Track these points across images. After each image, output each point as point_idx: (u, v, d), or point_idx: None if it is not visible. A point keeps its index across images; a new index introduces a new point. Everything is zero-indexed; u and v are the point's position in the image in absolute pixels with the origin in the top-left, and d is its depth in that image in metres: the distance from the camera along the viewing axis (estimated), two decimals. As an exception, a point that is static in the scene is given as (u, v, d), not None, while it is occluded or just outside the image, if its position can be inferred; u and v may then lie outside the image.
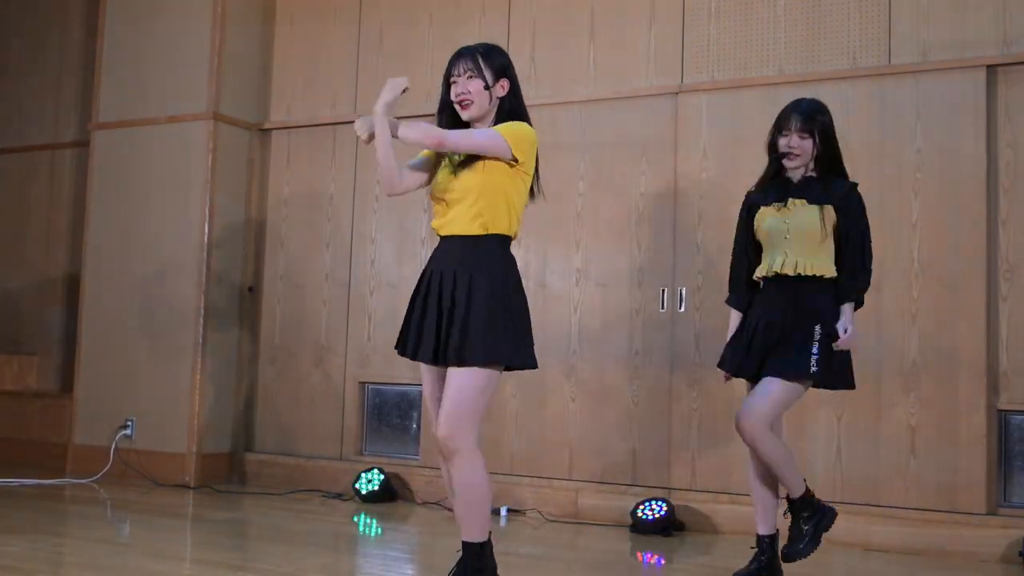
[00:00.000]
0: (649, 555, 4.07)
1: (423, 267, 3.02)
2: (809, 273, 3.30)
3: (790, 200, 3.35)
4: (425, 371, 2.98)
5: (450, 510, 4.96)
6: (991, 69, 4.27)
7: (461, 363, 2.79)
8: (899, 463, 4.26)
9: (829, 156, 3.40)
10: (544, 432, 5.02)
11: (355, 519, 4.78)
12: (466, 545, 2.86)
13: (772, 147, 3.42)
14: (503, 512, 4.92)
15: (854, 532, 4.25)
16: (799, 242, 3.31)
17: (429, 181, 3.07)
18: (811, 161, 3.39)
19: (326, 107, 5.88)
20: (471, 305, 2.81)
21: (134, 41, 6.04)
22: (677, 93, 4.87)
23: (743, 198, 3.55)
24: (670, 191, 4.83)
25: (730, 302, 3.54)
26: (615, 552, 4.12)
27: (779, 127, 3.40)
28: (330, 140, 5.83)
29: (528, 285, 5.13)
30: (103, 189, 6.03)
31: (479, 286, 2.82)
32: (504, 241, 2.92)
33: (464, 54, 2.99)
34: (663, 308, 4.79)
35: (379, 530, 4.62)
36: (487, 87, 2.96)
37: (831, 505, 3.43)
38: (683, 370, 4.70)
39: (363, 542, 4.46)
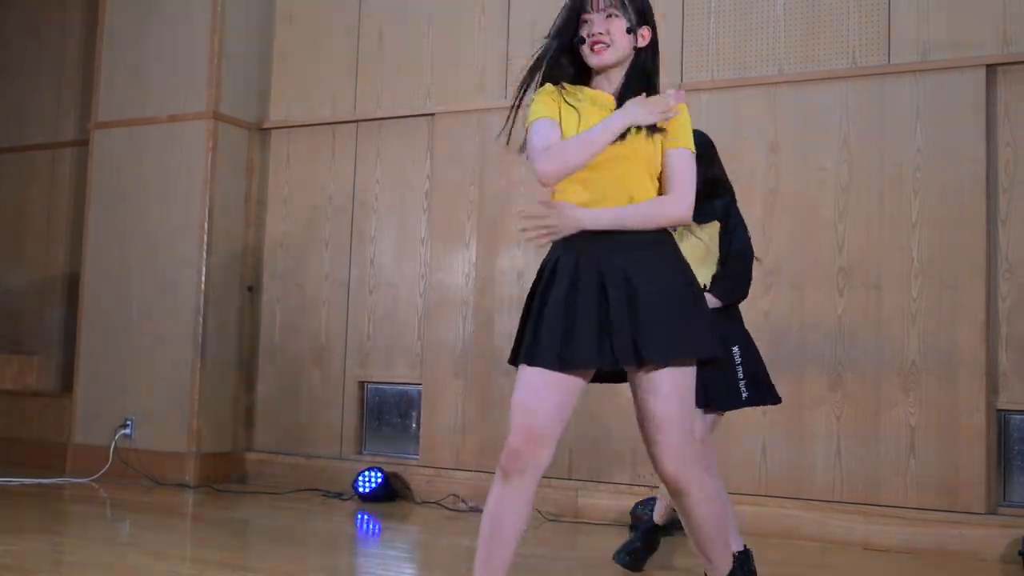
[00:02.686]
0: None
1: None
2: None
3: None
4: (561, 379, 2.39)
5: (450, 509, 4.96)
6: (991, 69, 4.27)
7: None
8: (899, 462, 4.26)
9: (710, 187, 3.35)
10: (544, 432, 5.01)
11: (355, 519, 4.78)
12: None
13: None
14: (503, 512, 4.91)
15: (854, 532, 4.25)
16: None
17: None
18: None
19: (326, 107, 5.88)
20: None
21: (134, 41, 6.04)
22: (677, 93, 4.86)
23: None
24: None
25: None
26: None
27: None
28: (330, 140, 5.83)
29: (528, 285, 5.13)
30: (103, 189, 6.03)
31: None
32: None
33: None
34: (663, 308, 4.78)
35: (379, 530, 4.62)
36: (630, 30, 2.42)
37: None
38: (683, 370, 4.70)
39: (363, 542, 4.46)
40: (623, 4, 2.42)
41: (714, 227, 3.39)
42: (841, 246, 4.43)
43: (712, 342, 2.39)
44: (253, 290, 5.93)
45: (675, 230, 3.15)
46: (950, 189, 4.27)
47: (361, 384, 5.61)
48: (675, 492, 2.39)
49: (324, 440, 5.63)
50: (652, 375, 2.33)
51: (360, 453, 5.58)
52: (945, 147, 4.30)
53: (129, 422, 5.75)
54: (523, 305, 2.51)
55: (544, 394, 2.36)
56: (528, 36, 5.31)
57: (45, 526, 4.29)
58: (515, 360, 2.44)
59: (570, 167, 2.37)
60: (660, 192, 2.43)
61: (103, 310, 5.93)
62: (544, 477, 5.10)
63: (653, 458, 2.39)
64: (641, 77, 2.46)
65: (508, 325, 5.16)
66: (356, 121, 5.75)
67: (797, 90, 4.62)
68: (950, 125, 4.30)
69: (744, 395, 3.26)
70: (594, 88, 2.48)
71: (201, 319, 5.64)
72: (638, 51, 2.46)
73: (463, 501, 5.07)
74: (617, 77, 2.45)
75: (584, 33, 2.41)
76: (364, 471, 5.23)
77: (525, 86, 2.49)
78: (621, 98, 2.43)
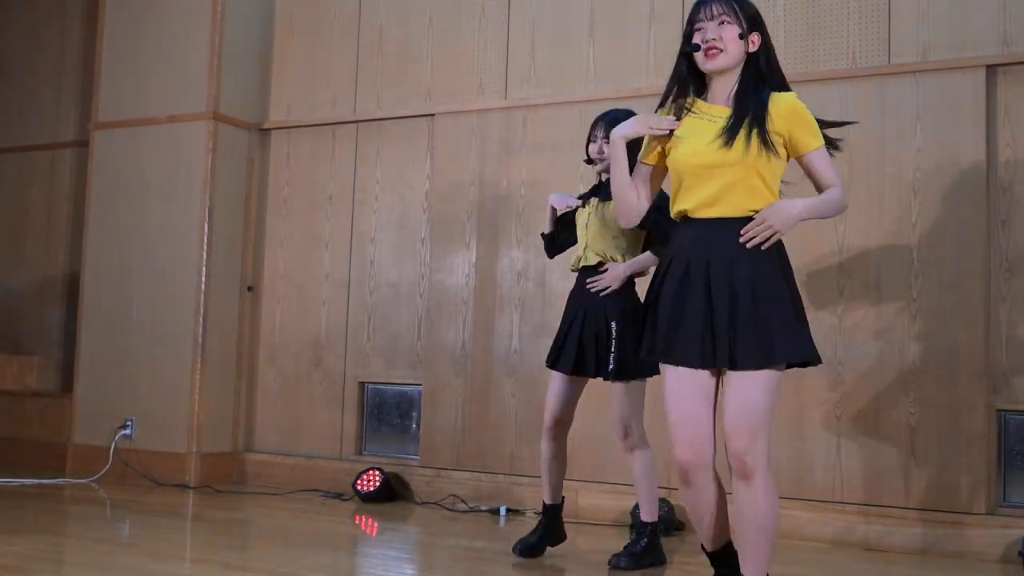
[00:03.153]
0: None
1: None
2: (594, 263, 3.72)
3: (592, 200, 3.77)
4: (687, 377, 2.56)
5: (449, 509, 4.96)
6: (991, 69, 4.27)
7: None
8: (899, 463, 4.26)
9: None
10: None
11: (355, 519, 4.79)
12: None
13: (586, 154, 3.79)
14: (503, 512, 4.92)
15: (854, 532, 4.25)
16: (592, 236, 3.73)
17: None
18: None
19: (326, 107, 5.88)
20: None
21: (134, 41, 6.04)
22: (677, 93, 4.86)
23: None
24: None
25: None
26: (615, 552, 4.11)
27: (590, 134, 3.78)
28: (330, 140, 5.83)
29: (528, 285, 5.14)
30: (103, 189, 6.03)
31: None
32: None
33: None
34: (663, 308, 4.79)
35: (379, 530, 4.62)
36: (742, 36, 2.59)
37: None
38: (683, 370, 4.70)
39: (363, 542, 4.46)
40: (735, 11, 2.58)
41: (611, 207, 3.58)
42: (841, 246, 4.43)
43: (806, 344, 2.52)
44: (253, 290, 5.93)
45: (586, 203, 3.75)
46: (950, 189, 4.27)
47: (361, 384, 5.61)
48: (739, 477, 2.50)
49: (324, 440, 5.63)
50: (741, 373, 2.48)
51: (360, 453, 5.58)
52: (945, 147, 4.30)
53: (129, 422, 5.75)
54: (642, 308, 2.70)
55: (693, 402, 2.54)
56: (528, 36, 5.32)
57: (45, 526, 4.29)
58: (636, 351, 2.68)
59: (621, 205, 2.78)
60: (772, 195, 2.60)
61: (103, 310, 5.93)
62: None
63: (726, 437, 2.50)
64: (754, 80, 2.61)
65: (508, 325, 5.16)
66: (356, 121, 5.75)
67: (797, 90, 4.56)
68: (950, 125, 4.30)
69: (611, 367, 3.61)
70: (711, 92, 2.66)
71: (201, 319, 5.65)
72: (750, 56, 2.62)
73: (463, 501, 5.07)
74: (731, 81, 2.62)
75: (698, 40, 2.59)
76: (364, 471, 5.23)
77: (664, 100, 2.71)
78: (738, 100, 2.60)
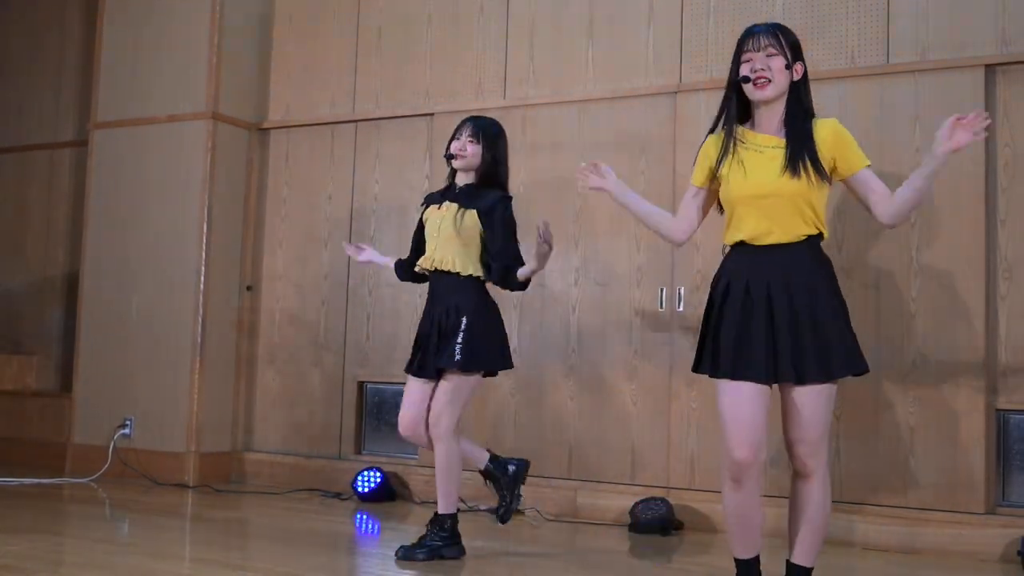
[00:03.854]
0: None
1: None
2: (446, 268, 3.73)
3: (446, 203, 3.77)
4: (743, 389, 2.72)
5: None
6: (990, 68, 4.27)
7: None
8: (898, 463, 4.26)
9: (488, 169, 3.76)
10: (543, 431, 5.02)
11: (354, 519, 4.79)
12: (802, 570, 2.79)
13: (447, 151, 3.80)
14: (502, 511, 4.91)
15: (853, 532, 4.26)
16: (443, 240, 3.75)
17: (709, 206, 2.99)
18: (475, 171, 3.78)
19: (325, 107, 5.88)
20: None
21: (133, 41, 6.04)
22: (676, 92, 4.87)
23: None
24: (669, 190, 4.83)
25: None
26: (615, 552, 4.12)
27: (454, 133, 3.80)
28: (329, 139, 5.83)
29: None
30: (102, 189, 6.04)
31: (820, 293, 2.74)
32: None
33: (762, 29, 2.78)
34: (662, 307, 4.79)
35: (379, 530, 4.62)
36: (788, 66, 2.74)
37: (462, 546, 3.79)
38: (682, 369, 4.70)
39: (363, 542, 4.46)
40: (780, 42, 2.73)
41: (472, 215, 3.70)
42: (841, 246, 4.43)
43: (859, 359, 2.73)
44: (252, 289, 5.93)
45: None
46: (948, 189, 4.27)
47: (360, 384, 5.61)
48: (802, 475, 2.73)
49: (323, 440, 5.63)
50: (806, 388, 2.67)
51: (359, 453, 5.58)
52: (944, 147, 4.29)
53: (128, 422, 5.75)
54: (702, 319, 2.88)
55: (751, 406, 2.70)
56: (527, 36, 5.32)
57: (44, 526, 4.29)
58: (698, 368, 2.83)
59: (657, 232, 3.02)
60: (819, 219, 2.75)
61: (103, 310, 5.93)
62: (544, 477, 5.14)
63: (790, 446, 2.73)
64: (800, 107, 2.75)
65: (508, 325, 5.15)
66: (355, 121, 5.75)
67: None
68: (949, 125, 4.29)
69: (457, 358, 3.62)
70: (757, 121, 2.79)
71: (200, 318, 5.65)
72: (794, 84, 2.75)
73: (462, 501, 5.06)
74: (778, 110, 2.75)
75: (747, 71, 2.72)
76: (363, 471, 5.23)
77: (714, 127, 2.85)
78: (788, 127, 2.73)
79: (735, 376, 2.67)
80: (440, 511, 3.77)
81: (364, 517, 4.83)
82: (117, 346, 5.84)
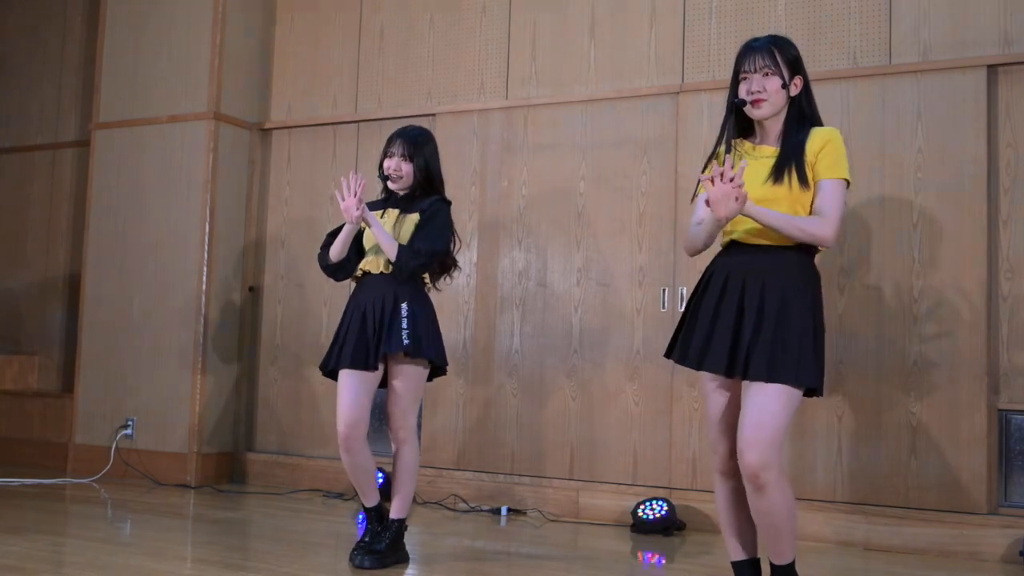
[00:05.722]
0: (650, 555, 4.07)
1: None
2: (381, 271, 3.68)
3: (388, 209, 3.74)
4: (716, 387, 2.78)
5: (450, 509, 4.96)
6: (992, 69, 4.27)
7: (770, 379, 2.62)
8: (899, 463, 4.26)
9: (423, 178, 3.74)
10: (545, 432, 5.02)
11: (355, 519, 4.78)
12: (780, 569, 2.75)
13: (380, 170, 3.75)
14: (503, 512, 4.92)
15: (854, 532, 4.25)
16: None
17: None
18: (412, 183, 3.74)
19: (326, 106, 5.88)
20: (788, 320, 2.67)
21: (134, 41, 6.04)
22: (678, 92, 4.87)
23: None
24: (671, 190, 4.83)
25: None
26: (615, 552, 4.12)
27: (385, 150, 3.74)
28: (330, 139, 5.83)
29: (528, 285, 5.14)
30: (103, 189, 6.04)
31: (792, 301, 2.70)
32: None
33: (758, 48, 2.78)
34: (664, 308, 4.79)
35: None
36: (784, 85, 2.77)
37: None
38: (684, 370, 4.69)
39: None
40: (776, 62, 2.75)
41: (413, 219, 3.66)
42: (841, 246, 4.42)
43: (812, 373, 2.66)
44: (254, 290, 5.93)
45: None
46: (951, 189, 4.27)
47: (362, 384, 5.60)
48: (753, 487, 2.63)
49: (324, 440, 5.63)
50: (758, 385, 2.63)
51: (361, 453, 5.57)
52: (946, 147, 4.30)
53: (130, 422, 5.75)
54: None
55: (718, 397, 2.76)
56: (529, 36, 5.32)
57: (46, 526, 4.29)
58: (669, 354, 2.85)
59: (694, 246, 2.88)
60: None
61: (104, 310, 5.93)
62: (544, 477, 5.13)
63: (740, 451, 2.63)
64: (797, 119, 2.78)
65: (509, 325, 5.16)
66: (357, 121, 5.75)
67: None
68: (951, 125, 4.30)
69: (406, 342, 3.57)
70: (759, 133, 2.84)
71: (202, 319, 5.65)
72: (792, 98, 2.79)
73: (464, 501, 5.06)
74: (777, 124, 2.80)
75: (743, 92, 2.76)
76: (365, 471, 5.22)
77: (718, 143, 2.85)
78: (785, 141, 2.77)
79: (702, 366, 2.72)
80: (396, 515, 3.71)
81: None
82: (119, 346, 5.84)
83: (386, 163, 3.73)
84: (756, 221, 2.65)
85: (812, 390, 2.71)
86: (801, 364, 2.63)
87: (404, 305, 3.62)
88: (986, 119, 4.24)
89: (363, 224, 3.68)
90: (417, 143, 3.74)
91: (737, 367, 2.66)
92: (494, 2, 5.43)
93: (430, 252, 3.63)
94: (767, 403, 2.60)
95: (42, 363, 6.68)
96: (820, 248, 2.78)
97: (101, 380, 5.88)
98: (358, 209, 3.58)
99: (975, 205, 4.23)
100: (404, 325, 3.59)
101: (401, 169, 3.70)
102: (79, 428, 5.93)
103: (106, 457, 5.72)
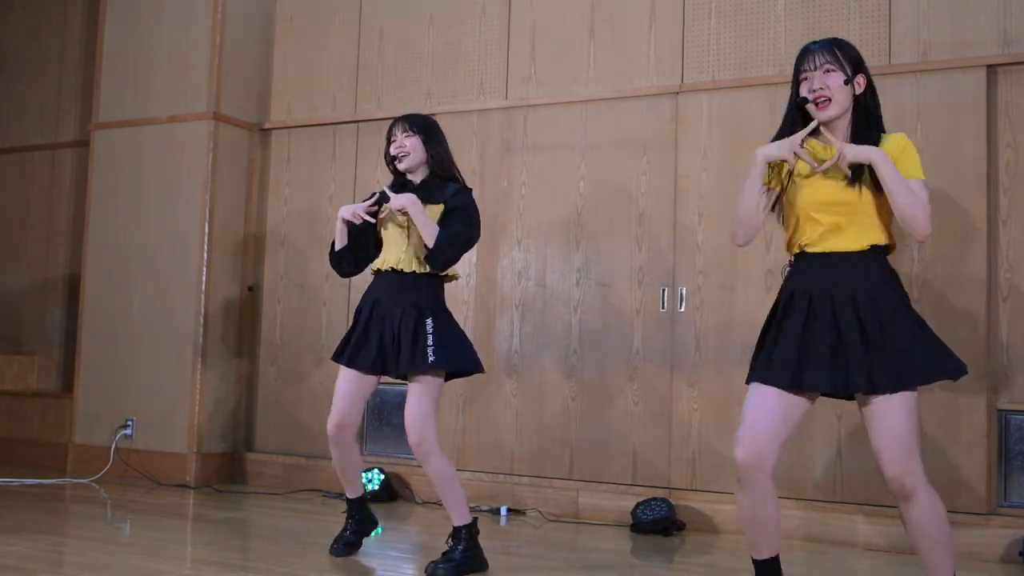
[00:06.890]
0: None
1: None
2: (401, 268, 3.60)
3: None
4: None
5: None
6: (991, 69, 4.27)
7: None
8: (899, 463, 4.25)
9: (437, 161, 3.67)
10: (544, 432, 5.02)
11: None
12: None
13: (387, 158, 3.71)
14: (503, 512, 4.92)
15: (854, 532, 4.25)
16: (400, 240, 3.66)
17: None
18: (424, 165, 3.68)
19: (326, 107, 5.88)
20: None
21: (134, 41, 6.04)
22: (678, 92, 4.87)
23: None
24: (671, 190, 4.83)
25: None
26: (615, 552, 4.12)
27: (388, 137, 3.70)
28: (330, 140, 5.83)
29: (528, 285, 5.14)
30: (103, 189, 6.04)
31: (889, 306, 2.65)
32: None
33: (818, 47, 2.70)
34: (663, 308, 4.79)
35: (379, 530, 4.62)
36: (847, 81, 2.67)
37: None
38: (683, 370, 4.70)
39: (363, 542, 4.45)
40: (838, 58, 2.66)
41: (436, 210, 3.58)
42: (842, 246, 4.42)
43: (949, 360, 2.65)
44: (254, 290, 5.93)
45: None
46: (950, 189, 4.27)
47: (361, 384, 5.60)
48: (901, 498, 2.65)
49: (324, 440, 5.59)
50: (882, 399, 2.58)
51: (361, 454, 5.56)
52: (946, 147, 4.30)
53: (130, 422, 5.75)
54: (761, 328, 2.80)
55: (769, 411, 2.66)
56: (529, 36, 5.32)
57: (45, 526, 4.29)
58: (750, 379, 2.74)
59: (746, 224, 2.76)
60: (885, 229, 2.72)
61: (104, 310, 5.93)
62: (544, 477, 5.13)
63: (882, 467, 2.63)
64: (866, 120, 2.70)
65: (509, 325, 5.16)
66: (357, 121, 5.75)
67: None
68: (951, 125, 4.30)
69: (431, 359, 3.49)
70: (823, 136, 2.71)
71: (202, 319, 5.65)
72: (857, 97, 2.69)
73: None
74: (843, 124, 2.70)
75: (805, 91, 2.67)
76: (364, 471, 5.22)
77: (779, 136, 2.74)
78: (855, 142, 2.67)
79: (798, 388, 2.63)
80: (457, 523, 3.60)
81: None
82: (118, 346, 5.84)
83: (391, 147, 3.69)
84: (879, 172, 2.57)
85: (955, 372, 2.66)
86: (934, 357, 2.61)
87: (429, 321, 3.54)
88: (985, 119, 4.24)
89: (382, 221, 3.69)
90: (414, 119, 3.70)
91: (854, 384, 2.59)
92: (494, 2, 5.43)
93: (467, 241, 3.59)
94: (895, 412, 2.58)
95: (42, 363, 6.68)
96: (892, 249, 2.74)
97: (101, 380, 5.88)
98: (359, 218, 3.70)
99: (974, 205, 4.23)
100: (431, 342, 3.52)
101: (405, 145, 3.64)
102: (79, 428, 5.93)
103: (106, 457, 5.72)
